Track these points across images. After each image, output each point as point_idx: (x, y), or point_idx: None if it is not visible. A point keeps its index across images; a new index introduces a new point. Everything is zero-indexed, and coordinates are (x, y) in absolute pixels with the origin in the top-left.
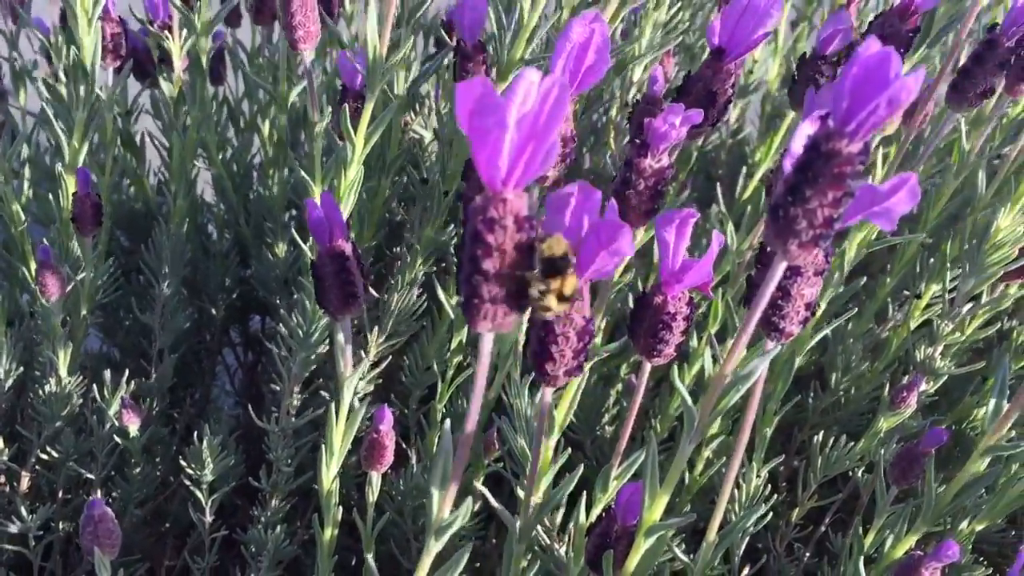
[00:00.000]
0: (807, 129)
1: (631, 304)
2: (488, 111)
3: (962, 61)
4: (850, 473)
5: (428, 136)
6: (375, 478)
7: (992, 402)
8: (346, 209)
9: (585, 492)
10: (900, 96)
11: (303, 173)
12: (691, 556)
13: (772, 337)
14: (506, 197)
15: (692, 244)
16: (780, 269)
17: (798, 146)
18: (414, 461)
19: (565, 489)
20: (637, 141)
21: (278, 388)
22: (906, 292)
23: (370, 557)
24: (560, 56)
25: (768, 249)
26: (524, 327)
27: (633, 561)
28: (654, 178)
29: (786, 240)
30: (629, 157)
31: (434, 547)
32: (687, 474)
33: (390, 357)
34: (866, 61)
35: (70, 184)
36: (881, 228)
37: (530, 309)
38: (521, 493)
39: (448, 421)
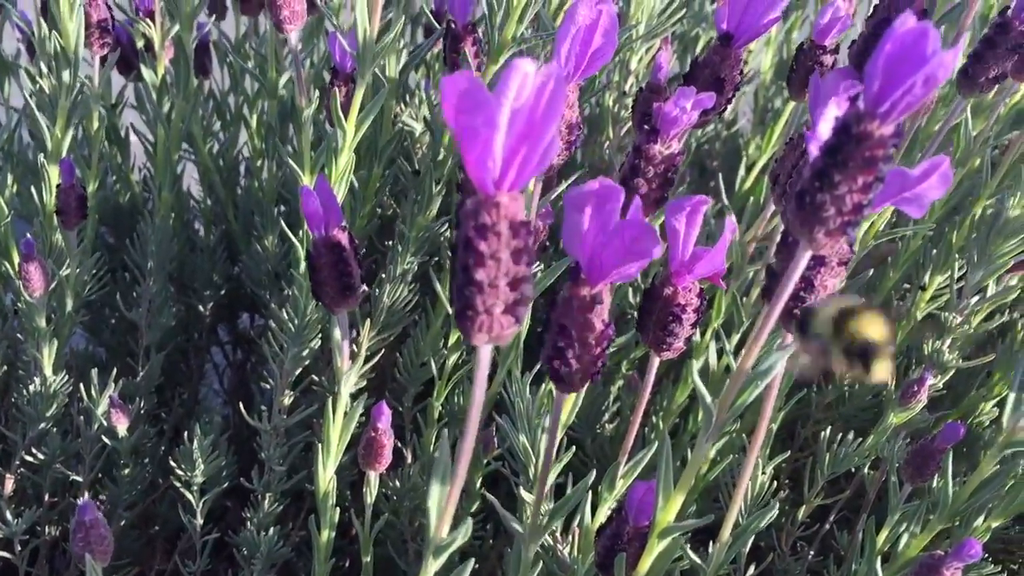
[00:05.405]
0: (833, 111)
1: (640, 296)
2: (476, 109)
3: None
4: (853, 470)
5: (419, 128)
6: (373, 478)
7: (1011, 396)
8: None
9: (590, 492)
10: (938, 74)
11: (292, 163)
12: (702, 554)
13: (792, 330)
14: (499, 201)
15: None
16: (805, 258)
17: (825, 129)
18: (410, 460)
19: (580, 493)
20: (646, 127)
21: (269, 386)
22: (907, 286)
23: (368, 560)
24: (565, 39)
25: (790, 238)
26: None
27: (646, 563)
28: (664, 164)
29: (812, 228)
30: (637, 143)
31: (433, 566)
32: None
33: (383, 352)
34: (902, 37)
35: (53, 175)
36: (910, 215)
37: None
38: (524, 494)
39: (446, 430)
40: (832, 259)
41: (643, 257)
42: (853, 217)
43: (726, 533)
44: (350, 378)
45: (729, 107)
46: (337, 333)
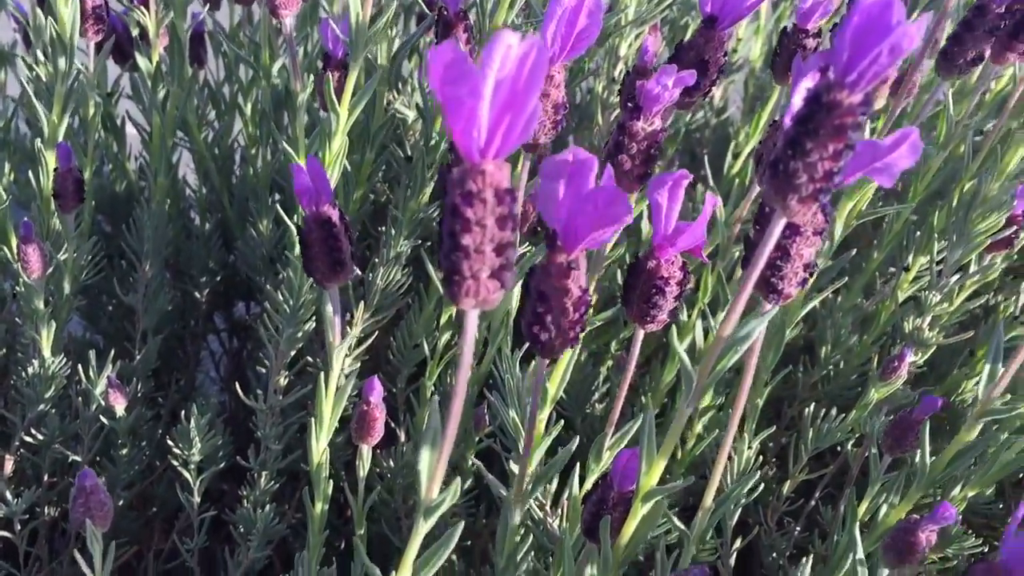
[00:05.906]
0: (807, 83)
1: (625, 270)
2: (461, 79)
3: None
4: (838, 447)
5: (412, 115)
6: (365, 452)
7: (987, 367)
8: (331, 183)
9: (578, 466)
10: (902, 44)
11: (287, 147)
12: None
13: (770, 299)
14: (484, 169)
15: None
16: (779, 225)
17: (798, 100)
18: (403, 439)
19: (562, 460)
20: (629, 104)
21: (264, 371)
22: (892, 269)
23: (361, 532)
24: (551, 20)
25: (767, 208)
26: (516, 299)
27: (631, 527)
28: (647, 141)
29: (786, 195)
30: (621, 121)
31: (423, 528)
32: (678, 448)
33: (376, 334)
34: (868, 8)
35: (50, 160)
36: (881, 185)
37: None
38: (514, 467)
39: (436, 398)
40: (807, 229)
41: (616, 222)
42: (825, 184)
43: (709, 499)
44: (341, 352)
45: (718, 94)
46: (328, 308)
